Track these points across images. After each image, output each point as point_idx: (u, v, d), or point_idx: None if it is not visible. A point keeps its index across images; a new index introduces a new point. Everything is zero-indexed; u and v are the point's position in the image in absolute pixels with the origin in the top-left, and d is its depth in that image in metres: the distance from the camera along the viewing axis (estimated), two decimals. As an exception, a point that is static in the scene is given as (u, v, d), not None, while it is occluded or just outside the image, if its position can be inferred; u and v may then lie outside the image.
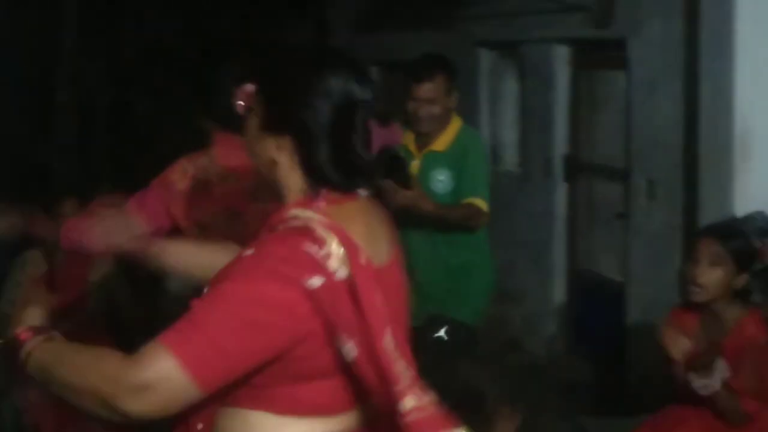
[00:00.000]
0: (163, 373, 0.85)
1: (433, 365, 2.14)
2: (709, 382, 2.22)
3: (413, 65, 3.14)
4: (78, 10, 5.31)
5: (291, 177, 1.01)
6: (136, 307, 3.45)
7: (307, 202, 0.98)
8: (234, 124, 1.21)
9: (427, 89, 2.91)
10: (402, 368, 0.94)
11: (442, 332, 3.02)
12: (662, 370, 2.56)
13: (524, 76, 4.95)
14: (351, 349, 0.93)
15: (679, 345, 2.36)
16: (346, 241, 0.95)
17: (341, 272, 0.91)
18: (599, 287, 4.53)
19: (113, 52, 5.38)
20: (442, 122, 2.99)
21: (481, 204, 2.90)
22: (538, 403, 3.58)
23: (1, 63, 3.55)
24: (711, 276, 2.32)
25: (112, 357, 0.92)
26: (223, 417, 1.01)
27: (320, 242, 0.91)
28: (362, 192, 1.05)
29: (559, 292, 4.76)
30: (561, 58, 4.63)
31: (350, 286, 0.92)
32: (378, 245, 1.10)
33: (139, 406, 0.86)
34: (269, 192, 1.11)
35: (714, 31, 3.49)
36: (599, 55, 4.57)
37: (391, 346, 0.94)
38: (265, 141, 1.01)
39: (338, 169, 1.00)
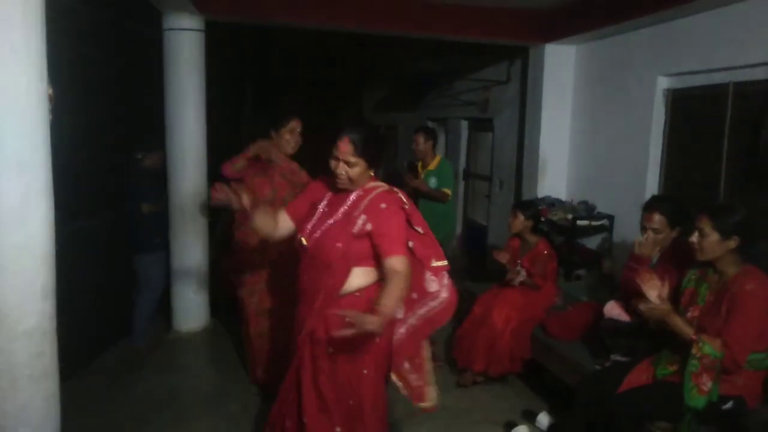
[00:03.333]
0: None
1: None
2: (517, 279, 3.65)
3: (423, 131, 4.75)
4: (253, 97, 8.18)
5: (366, 176, 2.22)
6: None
7: (371, 184, 2.22)
8: None
9: (417, 138, 4.66)
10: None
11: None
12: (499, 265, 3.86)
13: (447, 134, 7.60)
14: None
15: (502, 257, 3.71)
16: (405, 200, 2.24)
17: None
18: (476, 227, 6.98)
19: (270, 116, 8.32)
20: (428, 155, 4.67)
21: (447, 191, 4.57)
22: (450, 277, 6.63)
23: (216, 123, 4.85)
24: (515, 223, 3.78)
25: None
26: None
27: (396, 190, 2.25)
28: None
29: (459, 228, 7.23)
30: (464, 126, 7.23)
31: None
32: None
33: None
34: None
35: (531, 115, 5.23)
36: (481, 125, 6.83)
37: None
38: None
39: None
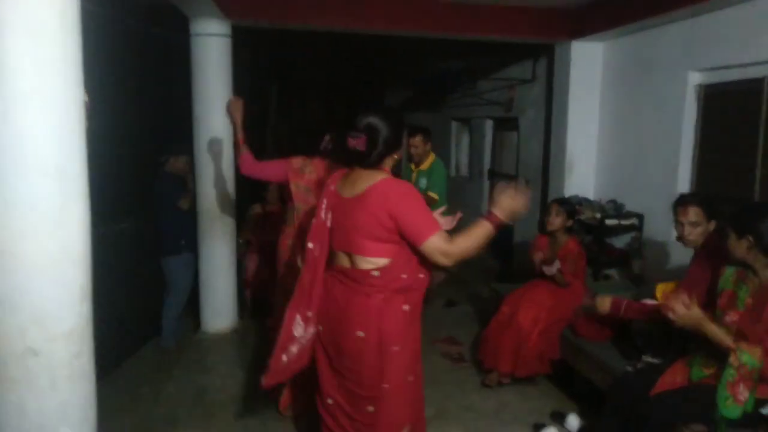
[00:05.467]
0: None
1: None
2: (551, 269, 3.61)
3: (408, 129, 4.43)
4: (277, 101, 8.42)
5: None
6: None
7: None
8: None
9: (417, 140, 4.55)
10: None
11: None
12: (528, 263, 3.98)
13: (472, 134, 7.66)
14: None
15: (537, 256, 3.77)
16: (333, 177, 2.28)
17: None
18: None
19: (291, 120, 8.70)
20: (425, 156, 4.56)
21: (434, 195, 4.37)
22: (474, 278, 6.09)
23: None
24: (557, 220, 3.69)
25: None
26: None
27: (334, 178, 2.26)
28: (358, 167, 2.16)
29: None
30: (489, 126, 7.27)
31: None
32: (345, 185, 2.20)
33: None
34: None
35: (558, 114, 5.22)
36: (506, 125, 6.89)
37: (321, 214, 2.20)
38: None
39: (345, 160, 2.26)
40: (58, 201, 1.54)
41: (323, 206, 2.24)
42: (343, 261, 2.22)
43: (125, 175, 4.06)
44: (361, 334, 2.15)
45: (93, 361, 1.72)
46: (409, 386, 2.27)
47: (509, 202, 2.07)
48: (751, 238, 2.30)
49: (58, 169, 1.53)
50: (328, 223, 2.24)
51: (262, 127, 7.97)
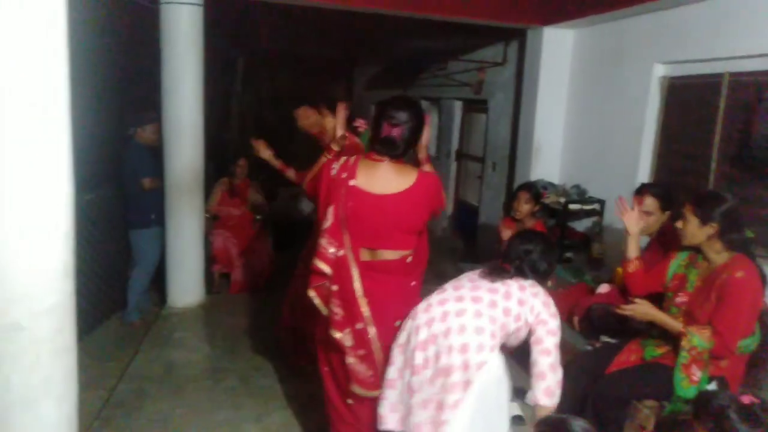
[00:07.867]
0: None
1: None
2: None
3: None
4: (243, 73, 8.23)
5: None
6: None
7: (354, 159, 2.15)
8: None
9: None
10: (327, 222, 2.04)
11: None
12: (494, 244, 4.22)
13: (441, 114, 7.60)
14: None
15: (505, 234, 3.74)
16: (345, 166, 2.11)
17: (334, 173, 2.11)
18: (468, 207, 7.09)
19: (257, 92, 8.52)
20: None
21: None
22: (441, 257, 6.14)
23: (207, 97, 4.63)
24: (525, 208, 3.76)
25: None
26: None
27: (335, 161, 2.16)
28: (386, 158, 2.11)
29: (450, 209, 7.32)
30: (458, 107, 7.25)
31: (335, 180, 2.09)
32: (373, 181, 2.10)
33: None
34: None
35: (527, 98, 5.27)
36: (475, 107, 6.93)
37: (330, 214, 2.05)
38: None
39: (376, 145, 2.14)
40: (44, 176, 1.52)
41: (343, 204, 2.12)
42: (364, 255, 2.20)
43: (92, 144, 3.93)
44: (398, 323, 2.28)
45: (75, 336, 1.72)
46: None
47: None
48: (715, 226, 2.40)
49: (45, 144, 1.51)
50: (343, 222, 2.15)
51: (227, 97, 7.80)
